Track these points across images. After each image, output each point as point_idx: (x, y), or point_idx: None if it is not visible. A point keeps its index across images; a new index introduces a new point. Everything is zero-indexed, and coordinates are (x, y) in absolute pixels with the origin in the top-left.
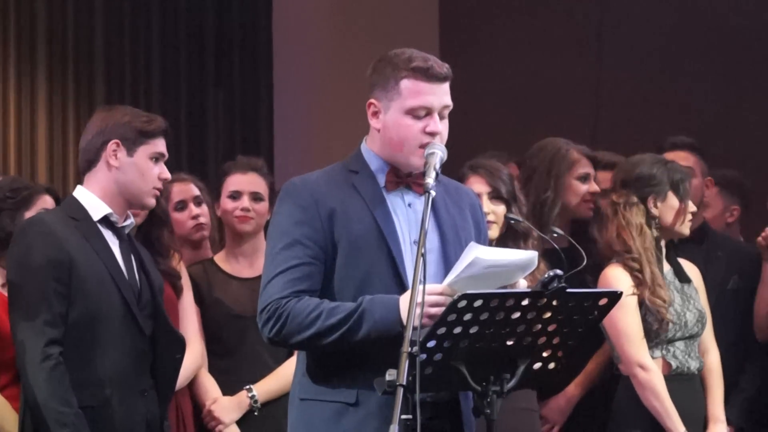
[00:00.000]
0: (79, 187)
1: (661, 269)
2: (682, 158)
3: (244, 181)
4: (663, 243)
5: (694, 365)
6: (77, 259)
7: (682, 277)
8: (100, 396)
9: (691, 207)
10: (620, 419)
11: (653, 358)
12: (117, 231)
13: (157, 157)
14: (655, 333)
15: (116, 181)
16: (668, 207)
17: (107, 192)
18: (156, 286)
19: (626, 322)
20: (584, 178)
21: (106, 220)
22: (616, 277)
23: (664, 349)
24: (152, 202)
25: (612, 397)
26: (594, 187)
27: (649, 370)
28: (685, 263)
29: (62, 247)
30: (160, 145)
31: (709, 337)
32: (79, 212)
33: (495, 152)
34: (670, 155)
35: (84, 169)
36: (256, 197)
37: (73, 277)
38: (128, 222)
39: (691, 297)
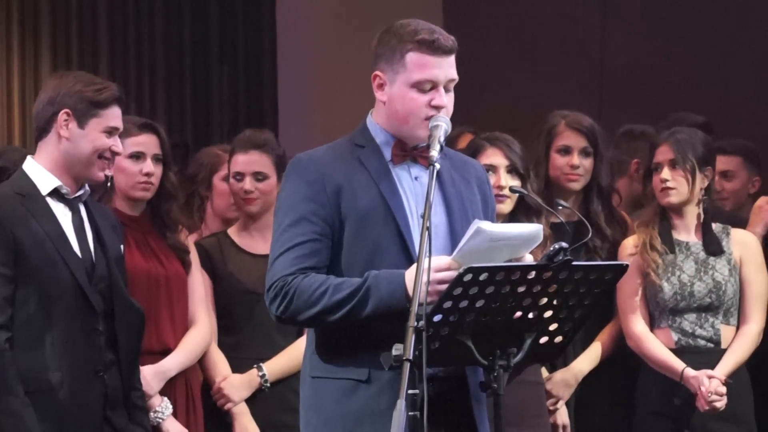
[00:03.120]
0: (28, 158)
1: (664, 235)
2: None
3: (245, 162)
4: (677, 213)
5: (705, 336)
6: (22, 240)
7: (712, 250)
8: (50, 379)
9: (665, 177)
10: (642, 394)
11: (659, 327)
12: (69, 203)
13: (110, 131)
14: (656, 302)
15: (66, 152)
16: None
17: (57, 163)
18: (112, 257)
19: (621, 289)
20: (564, 151)
21: (56, 193)
22: (625, 242)
23: (670, 320)
24: (100, 176)
25: (619, 372)
26: (574, 160)
27: (632, 337)
28: (739, 234)
29: (6, 229)
30: (112, 118)
31: (752, 307)
32: (27, 187)
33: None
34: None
35: (36, 138)
36: (258, 177)
37: (20, 259)
38: (80, 192)
39: (712, 268)
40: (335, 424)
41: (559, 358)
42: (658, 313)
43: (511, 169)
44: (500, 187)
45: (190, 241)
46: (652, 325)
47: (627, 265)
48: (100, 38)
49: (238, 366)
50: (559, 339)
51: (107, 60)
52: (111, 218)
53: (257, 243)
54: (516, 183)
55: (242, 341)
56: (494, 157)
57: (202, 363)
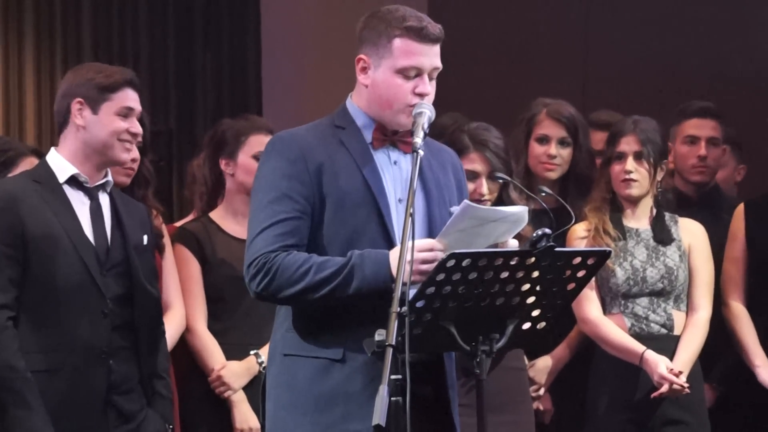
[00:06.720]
0: (52, 149)
1: (615, 221)
2: (703, 125)
3: None
4: (632, 203)
5: (659, 321)
6: (31, 223)
7: (661, 238)
8: (55, 360)
9: (629, 169)
10: (595, 377)
11: (611, 313)
12: (88, 191)
13: (125, 113)
14: (608, 287)
15: (84, 141)
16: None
17: (77, 153)
18: (131, 244)
19: None
20: (542, 140)
21: (74, 181)
22: (575, 227)
23: (622, 306)
24: (124, 157)
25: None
26: (551, 149)
27: (587, 323)
28: (687, 223)
29: (14, 212)
30: (125, 99)
31: (699, 295)
32: (44, 175)
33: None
34: (693, 122)
35: (58, 131)
36: None
37: (28, 241)
38: (103, 180)
39: (663, 254)
40: (306, 403)
41: (544, 345)
42: (609, 299)
43: (493, 175)
44: (481, 194)
45: (163, 226)
46: (604, 311)
47: (610, 251)
48: (84, 25)
49: (228, 352)
50: (541, 325)
51: (91, 47)
52: (141, 212)
53: (244, 228)
54: (496, 188)
55: (232, 327)
56: (476, 163)
57: (195, 350)
